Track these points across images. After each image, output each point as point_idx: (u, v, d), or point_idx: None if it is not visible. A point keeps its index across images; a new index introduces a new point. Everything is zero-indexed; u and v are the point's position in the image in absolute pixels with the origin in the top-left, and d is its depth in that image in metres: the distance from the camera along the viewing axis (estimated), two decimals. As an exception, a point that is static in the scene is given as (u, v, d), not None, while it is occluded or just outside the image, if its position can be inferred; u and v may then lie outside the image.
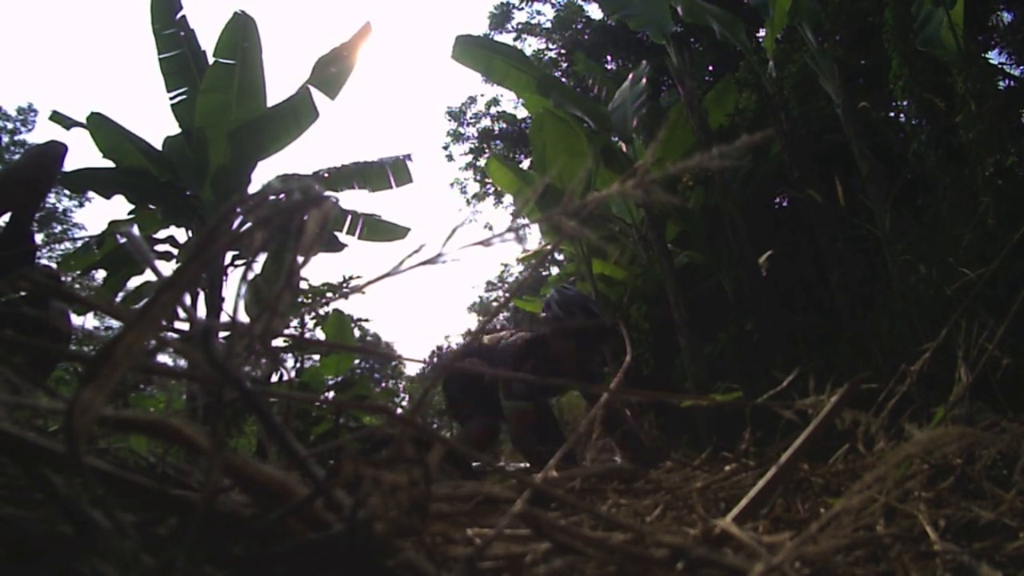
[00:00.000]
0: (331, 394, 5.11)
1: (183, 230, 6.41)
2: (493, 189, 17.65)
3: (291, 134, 6.20)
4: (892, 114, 5.97)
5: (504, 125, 17.20)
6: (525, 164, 11.79)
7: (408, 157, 6.73)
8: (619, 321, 6.00)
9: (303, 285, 5.92)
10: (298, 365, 5.37)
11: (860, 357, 3.68)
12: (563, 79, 12.55)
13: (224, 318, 0.38)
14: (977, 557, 0.56)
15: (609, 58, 13.59)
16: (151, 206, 6.32)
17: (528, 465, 2.76)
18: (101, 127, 6.03)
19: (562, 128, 5.71)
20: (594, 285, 6.20)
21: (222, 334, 0.38)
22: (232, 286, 6.31)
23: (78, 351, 0.44)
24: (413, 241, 7.41)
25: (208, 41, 6.33)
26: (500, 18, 16.81)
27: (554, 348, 2.81)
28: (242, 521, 0.36)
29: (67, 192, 18.62)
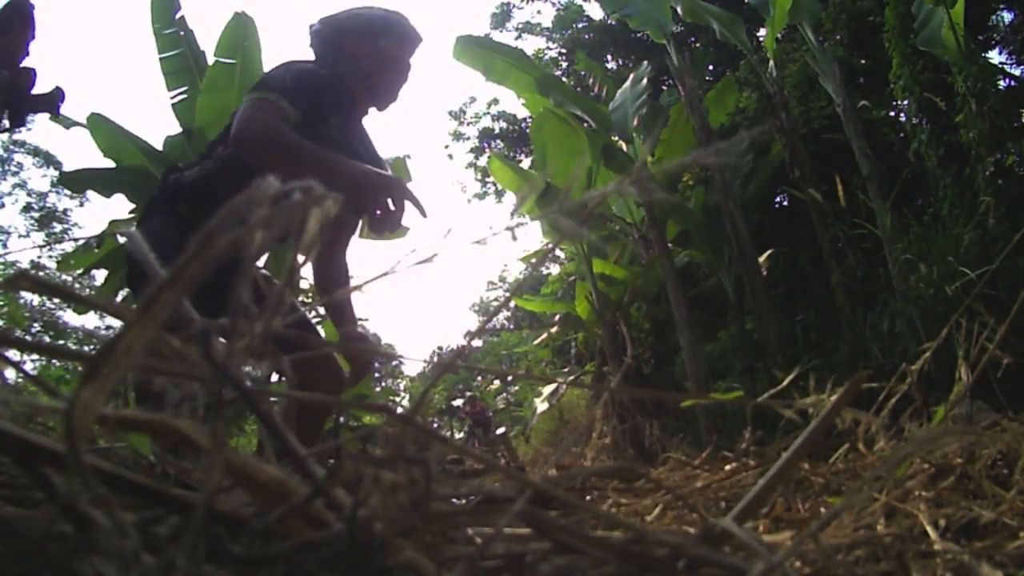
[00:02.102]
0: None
1: (183, 229, 6.41)
2: (494, 188, 17.65)
3: (291, 134, 6.19)
4: (892, 113, 5.96)
5: (504, 124, 17.20)
6: (525, 164, 11.80)
7: (408, 156, 6.74)
8: (619, 320, 6.01)
9: (303, 284, 5.92)
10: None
11: (860, 357, 3.68)
12: (563, 78, 12.55)
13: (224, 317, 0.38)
14: (977, 557, 0.55)
15: (609, 57, 13.59)
16: (151, 205, 6.32)
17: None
18: (101, 127, 6.02)
19: (563, 127, 5.71)
20: (594, 284, 6.20)
21: (222, 333, 0.38)
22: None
23: (79, 350, 0.44)
24: (413, 240, 7.41)
25: (208, 41, 6.34)
26: (501, 17, 16.82)
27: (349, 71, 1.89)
28: (242, 520, 0.36)
29: (67, 192, 18.62)
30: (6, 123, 2.71)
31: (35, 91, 2.73)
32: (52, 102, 2.75)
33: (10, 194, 20.08)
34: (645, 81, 6.04)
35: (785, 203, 6.55)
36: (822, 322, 4.69)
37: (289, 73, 1.76)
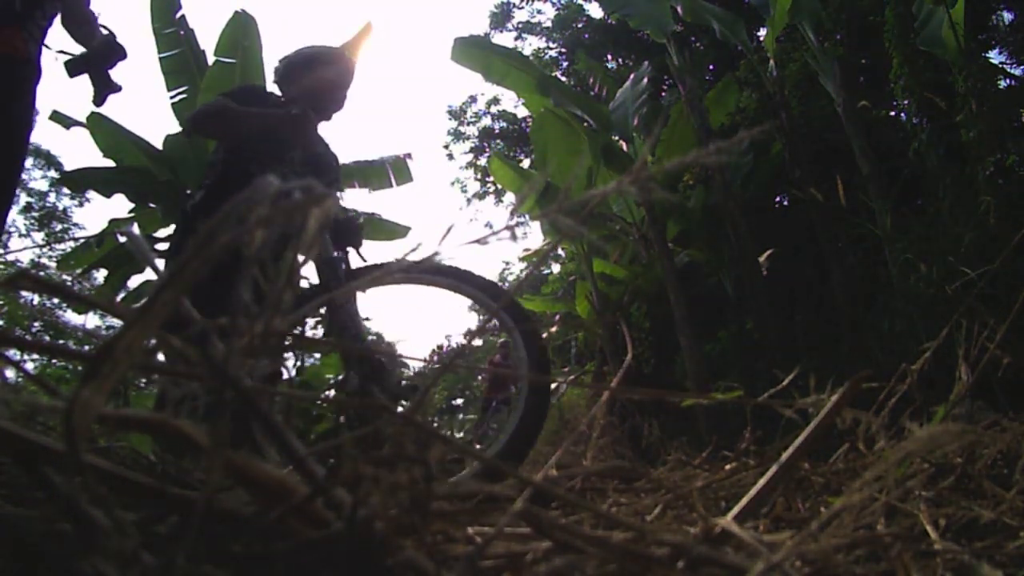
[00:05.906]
0: (332, 393, 5.10)
1: (183, 229, 6.40)
2: (494, 188, 17.64)
3: (291, 133, 6.19)
4: (893, 113, 5.96)
5: (504, 124, 17.20)
6: (525, 163, 11.80)
7: (408, 156, 6.73)
8: (619, 320, 6.01)
9: (304, 284, 5.92)
10: (299, 364, 5.36)
11: (860, 357, 3.67)
12: (563, 78, 12.55)
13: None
14: (977, 556, 0.55)
15: (609, 57, 13.58)
16: (151, 205, 6.32)
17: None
18: (101, 126, 6.02)
19: (563, 127, 5.70)
20: (594, 284, 6.20)
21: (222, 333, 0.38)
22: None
23: (79, 350, 0.44)
24: (414, 240, 7.41)
25: (208, 40, 6.34)
26: (500, 17, 16.81)
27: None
28: (242, 520, 0.36)
29: (67, 192, 18.63)
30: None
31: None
32: (104, 55, 2.53)
33: (10, 193, 20.02)
34: (645, 81, 6.04)
35: (785, 203, 6.55)
36: (822, 322, 4.68)
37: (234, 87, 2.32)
